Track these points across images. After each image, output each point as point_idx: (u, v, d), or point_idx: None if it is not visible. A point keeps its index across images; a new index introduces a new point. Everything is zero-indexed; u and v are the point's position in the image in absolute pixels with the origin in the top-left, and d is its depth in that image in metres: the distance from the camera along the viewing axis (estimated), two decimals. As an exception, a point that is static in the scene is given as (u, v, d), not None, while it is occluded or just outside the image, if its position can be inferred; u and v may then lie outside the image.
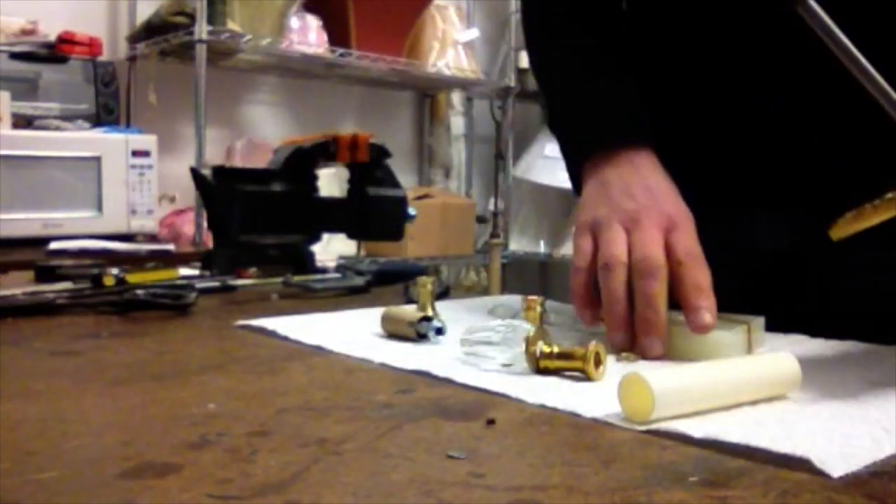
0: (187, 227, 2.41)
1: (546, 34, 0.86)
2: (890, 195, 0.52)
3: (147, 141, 2.01)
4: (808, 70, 0.71)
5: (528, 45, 0.89)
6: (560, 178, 3.06)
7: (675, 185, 0.70)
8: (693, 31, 0.79)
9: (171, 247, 1.88)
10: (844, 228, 0.56)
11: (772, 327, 0.68)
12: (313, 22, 2.68)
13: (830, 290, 0.76)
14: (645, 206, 0.65)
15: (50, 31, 2.22)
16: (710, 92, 0.79)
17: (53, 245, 1.60)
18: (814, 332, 0.68)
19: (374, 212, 1.11)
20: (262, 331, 0.70)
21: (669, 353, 0.60)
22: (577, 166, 0.75)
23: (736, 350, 0.60)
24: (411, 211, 1.15)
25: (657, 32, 0.84)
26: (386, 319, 0.68)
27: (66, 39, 2.19)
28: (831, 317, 0.73)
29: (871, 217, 0.54)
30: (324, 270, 1.05)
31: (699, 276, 0.62)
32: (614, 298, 0.62)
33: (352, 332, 0.68)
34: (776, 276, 0.78)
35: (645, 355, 0.60)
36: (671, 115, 0.81)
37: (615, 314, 0.61)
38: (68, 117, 2.11)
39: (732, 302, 0.76)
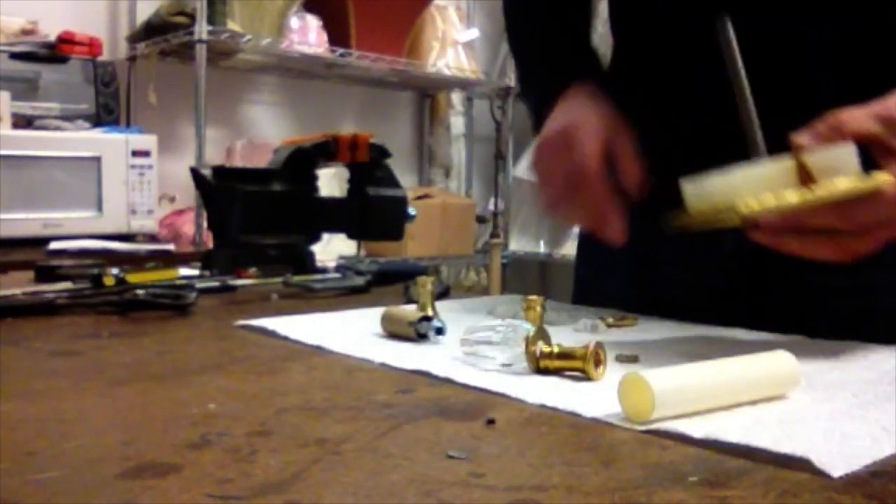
0: (187, 227, 2.41)
1: (521, 13, 0.94)
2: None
3: (147, 141, 2.01)
4: (767, 81, 0.74)
5: (506, 23, 0.96)
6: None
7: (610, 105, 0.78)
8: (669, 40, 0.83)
9: (171, 247, 1.88)
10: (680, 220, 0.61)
11: (740, 326, 0.71)
12: (313, 22, 2.68)
13: (793, 290, 0.77)
14: (581, 117, 0.74)
15: (50, 31, 2.22)
16: (677, 94, 0.81)
17: (53, 245, 1.60)
18: (780, 330, 0.70)
19: (374, 212, 1.11)
20: (262, 331, 0.70)
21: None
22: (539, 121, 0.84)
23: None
24: (411, 211, 1.15)
25: (634, 41, 0.88)
26: (386, 319, 0.68)
27: (66, 39, 2.19)
28: (795, 315, 0.74)
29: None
30: (324, 270, 1.05)
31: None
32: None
33: (352, 332, 0.68)
34: (741, 276, 0.80)
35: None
36: (639, 118, 0.84)
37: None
38: (68, 117, 2.11)
39: (701, 300, 0.78)
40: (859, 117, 0.59)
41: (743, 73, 0.64)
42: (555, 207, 0.75)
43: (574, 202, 0.72)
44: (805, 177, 0.56)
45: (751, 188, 0.57)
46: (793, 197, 0.55)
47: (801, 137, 0.58)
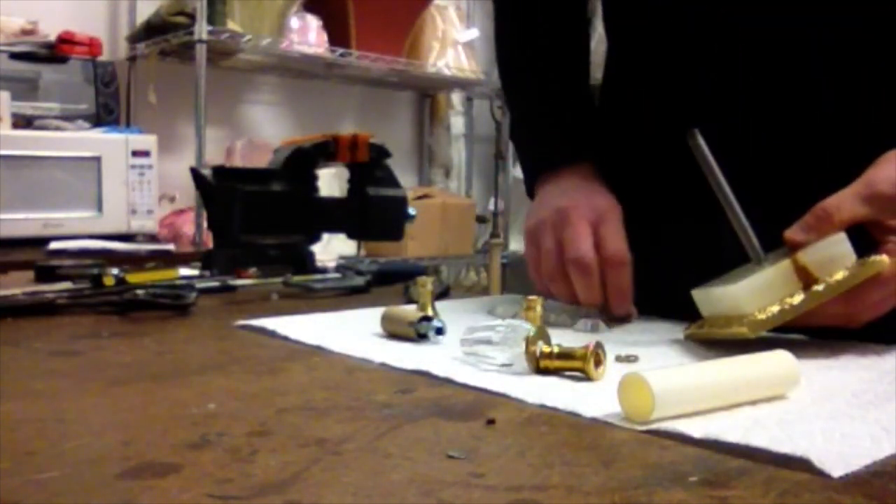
0: (187, 227, 2.41)
1: (514, 40, 0.93)
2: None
3: (147, 141, 2.02)
4: (767, 81, 0.75)
5: (497, 47, 0.95)
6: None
7: (607, 187, 0.81)
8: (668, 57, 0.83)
9: (171, 247, 1.88)
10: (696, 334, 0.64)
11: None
12: (313, 22, 2.68)
13: None
14: (574, 203, 0.76)
15: (50, 31, 2.22)
16: (678, 110, 0.82)
17: (53, 245, 1.61)
18: (780, 330, 0.71)
19: (374, 212, 1.11)
20: (262, 331, 0.70)
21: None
22: (532, 181, 0.87)
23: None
24: (411, 211, 1.14)
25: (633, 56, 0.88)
26: (386, 319, 0.68)
27: (66, 39, 2.19)
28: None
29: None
30: (324, 270, 1.05)
31: (621, 279, 0.73)
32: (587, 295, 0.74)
33: (352, 332, 0.68)
34: None
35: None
36: (641, 133, 0.86)
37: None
38: (68, 117, 2.11)
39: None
40: (844, 203, 0.62)
41: (725, 183, 0.66)
42: (546, 286, 0.77)
43: (566, 283, 0.74)
44: (805, 274, 0.60)
45: (755, 297, 0.60)
46: (797, 300, 0.59)
47: (794, 234, 0.62)
